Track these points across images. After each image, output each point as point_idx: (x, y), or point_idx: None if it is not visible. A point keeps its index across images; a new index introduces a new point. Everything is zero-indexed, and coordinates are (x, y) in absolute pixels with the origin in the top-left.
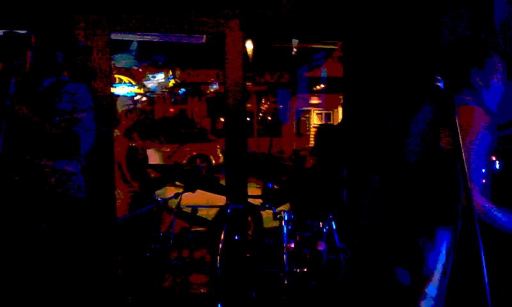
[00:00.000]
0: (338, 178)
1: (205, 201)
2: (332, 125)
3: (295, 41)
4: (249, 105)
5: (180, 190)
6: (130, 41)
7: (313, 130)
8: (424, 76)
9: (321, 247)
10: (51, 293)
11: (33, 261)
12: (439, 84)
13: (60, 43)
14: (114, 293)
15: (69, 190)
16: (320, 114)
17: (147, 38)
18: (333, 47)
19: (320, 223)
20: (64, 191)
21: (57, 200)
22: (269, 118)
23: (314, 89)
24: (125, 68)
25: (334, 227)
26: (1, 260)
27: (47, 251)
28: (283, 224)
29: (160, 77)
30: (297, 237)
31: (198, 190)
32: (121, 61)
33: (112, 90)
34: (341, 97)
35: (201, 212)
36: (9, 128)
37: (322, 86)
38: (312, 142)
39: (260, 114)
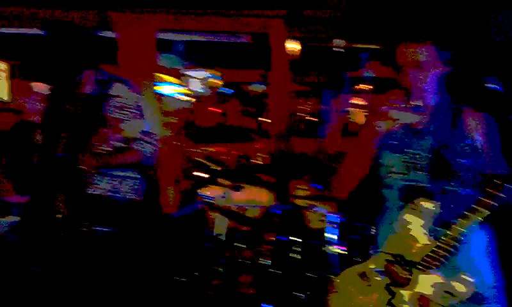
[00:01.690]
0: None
1: (253, 201)
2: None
3: (340, 42)
4: (292, 105)
5: (227, 190)
6: (175, 41)
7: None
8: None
9: (372, 250)
10: (118, 290)
11: (101, 261)
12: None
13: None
14: (166, 290)
15: (129, 193)
16: (365, 115)
17: (192, 38)
18: (378, 46)
19: (371, 226)
20: (125, 194)
21: (119, 203)
22: (313, 119)
23: (359, 89)
24: (170, 68)
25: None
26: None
27: (111, 251)
28: (331, 226)
29: (204, 76)
30: (347, 240)
31: (246, 190)
32: (166, 60)
33: (158, 90)
34: (384, 99)
35: (249, 212)
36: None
37: (367, 86)
38: None
39: (304, 115)
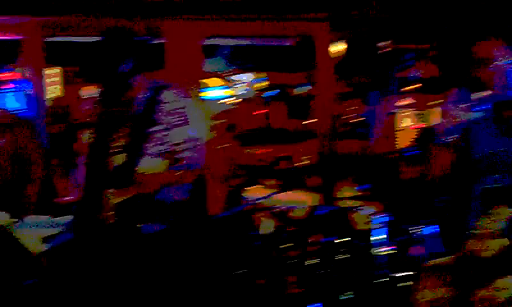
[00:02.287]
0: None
1: (298, 202)
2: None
3: (385, 42)
4: (338, 107)
5: (272, 191)
6: (221, 46)
7: (403, 133)
8: None
9: (419, 251)
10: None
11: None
12: None
13: None
14: (214, 289)
15: (177, 195)
16: (411, 115)
17: (237, 42)
18: (424, 46)
19: (420, 227)
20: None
21: (167, 204)
22: (358, 120)
23: (405, 89)
24: (216, 72)
25: (433, 232)
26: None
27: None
28: (378, 227)
29: (249, 80)
30: (394, 241)
31: (292, 191)
32: (212, 65)
33: (204, 94)
34: (433, 98)
35: (295, 213)
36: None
37: (413, 86)
38: (403, 145)
39: (349, 116)
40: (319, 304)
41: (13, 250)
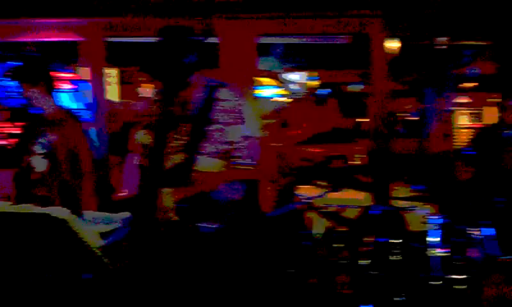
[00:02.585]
0: (496, 181)
1: (351, 201)
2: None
3: (441, 39)
4: (392, 105)
5: (325, 190)
6: (274, 44)
7: (460, 131)
8: None
9: (475, 254)
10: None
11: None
12: None
13: None
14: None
15: (230, 193)
16: (468, 113)
17: (291, 40)
18: (482, 43)
19: (475, 229)
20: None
21: (220, 202)
22: (413, 118)
23: (461, 87)
24: (269, 71)
25: (490, 234)
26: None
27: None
28: (433, 228)
29: (302, 78)
30: (449, 242)
31: (344, 190)
32: (266, 64)
33: (258, 92)
34: (490, 96)
35: (347, 212)
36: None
37: (470, 84)
38: (460, 144)
39: (404, 114)
40: (371, 306)
41: (72, 244)
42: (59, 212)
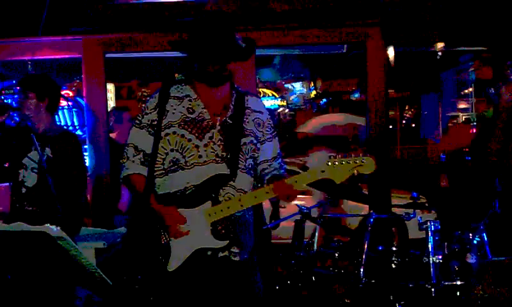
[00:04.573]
0: (490, 187)
1: (348, 211)
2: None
3: (439, 45)
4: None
5: (324, 199)
6: (273, 56)
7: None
8: None
9: (471, 259)
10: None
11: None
12: None
13: None
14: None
15: None
16: (469, 118)
17: (290, 51)
18: (481, 48)
19: (470, 234)
20: None
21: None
22: (413, 125)
23: (461, 93)
24: (269, 82)
25: (485, 239)
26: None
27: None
28: (430, 235)
29: (302, 88)
30: (445, 249)
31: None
32: (265, 75)
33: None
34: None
35: (344, 221)
36: None
37: (470, 89)
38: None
39: (404, 121)
40: None
41: (65, 262)
42: (51, 230)
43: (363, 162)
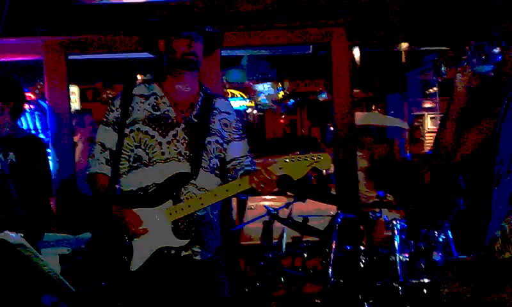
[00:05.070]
0: (454, 185)
1: (316, 211)
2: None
3: (404, 45)
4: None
5: (291, 200)
6: (240, 57)
7: (428, 136)
8: None
9: (437, 257)
10: None
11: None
12: None
13: None
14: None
15: None
16: (435, 118)
17: (256, 52)
18: (444, 48)
19: (436, 232)
20: None
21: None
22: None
23: (427, 92)
24: (236, 83)
25: (450, 236)
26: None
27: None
28: (396, 233)
29: (269, 89)
30: (412, 247)
31: (309, 200)
32: (232, 76)
33: None
34: None
35: (313, 222)
36: None
37: (435, 89)
38: (427, 148)
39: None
40: None
41: (28, 269)
42: (10, 237)
43: (319, 158)
